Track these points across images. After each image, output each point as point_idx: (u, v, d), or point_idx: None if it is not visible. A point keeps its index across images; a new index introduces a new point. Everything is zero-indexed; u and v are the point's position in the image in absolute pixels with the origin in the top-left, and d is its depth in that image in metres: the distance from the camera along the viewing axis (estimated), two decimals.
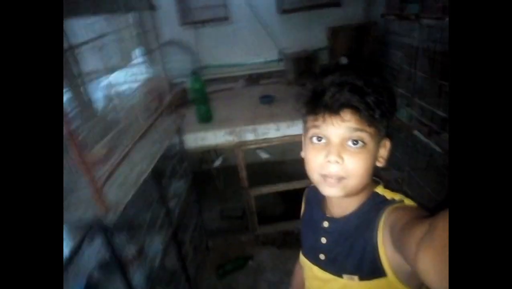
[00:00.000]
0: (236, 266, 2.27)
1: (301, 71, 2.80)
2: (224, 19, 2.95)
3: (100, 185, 1.00)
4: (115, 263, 1.25)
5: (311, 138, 0.60)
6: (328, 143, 0.58)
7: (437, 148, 1.27)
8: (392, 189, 0.64)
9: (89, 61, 1.66)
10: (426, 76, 1.36)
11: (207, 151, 3.09)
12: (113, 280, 1.42)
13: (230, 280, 2.22)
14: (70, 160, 1.04)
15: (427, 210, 0.52)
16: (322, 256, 0.68)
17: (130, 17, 1.67)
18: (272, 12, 2.98)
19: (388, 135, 0.62)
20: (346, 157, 0.57)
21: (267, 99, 2.47)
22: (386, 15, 1.85)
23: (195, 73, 2.15)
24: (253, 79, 3.07)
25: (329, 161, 0.57)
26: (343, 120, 0.56)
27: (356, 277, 0.61)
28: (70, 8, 1.06)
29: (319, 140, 0.59)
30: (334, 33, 3.00)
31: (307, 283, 0.77)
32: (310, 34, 3.05)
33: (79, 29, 1.41)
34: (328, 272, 0.67)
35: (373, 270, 0.58)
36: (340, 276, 0.64)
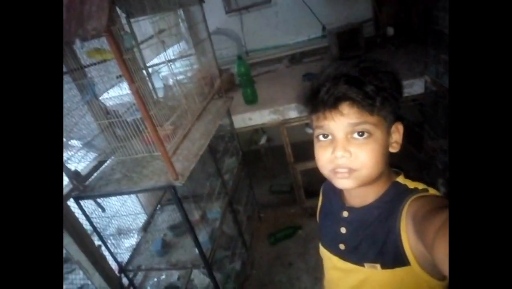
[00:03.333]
0: (286, 234, 2.47)
1: (345, 45, 2.78)
2: (267, 2, 3.04)
3: (170, 156, 1.23)
4: (186, 224, 1.45)
5: (317, 136, 0.60)
6: (333, 139, 0.58)
7: None
8: (414, 179, 0.63)
9: (151, 55, 1.93)
10: None
11: (255, 132, 3.28)
12: (184, 238, 1.71)
13: (281, 246, 2.43)
14: (148, 136, 1.29)
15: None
16: (342, 246, 0.67)
17: (182, 12, 1.88)
18: None
19: (399, 118, 0.60)
20: (353, 149, 0.56)
21: (310, 77, 2.54)
22: None
23: (240, 58, 2.31)
24: (297, 59, 3.13)
25: (336, 156, 0.57)
26: (342, 114, 0.55)
27: (378, 266, 0.60)
28: (139, 9, 1.28)
29: (325, 138, 0.59)
30: (379, 3, 2.89)
31: (327, 275, 0.77)
32: (354, 7, 2.99)
33: (144, 27, 1.66)
34: (348, 261, 0.66)
35: (395, 258, 0.57)
36: (361, 265, 0.63)
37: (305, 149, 2.69)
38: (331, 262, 0.71)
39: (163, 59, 1.90)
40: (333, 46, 2.86)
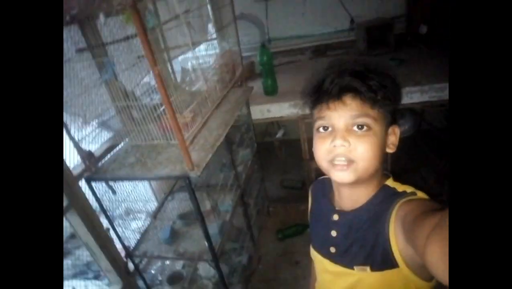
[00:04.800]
0: (295, 231, 2.41)
1: (373, 41, 2.64)
2: None
3: (187, 145, 1.17)
4: (198, 215, 1.40)
5: (317, 129, 0.61)
6: (334, 130, 0.58)
7: None
8: (402, 182, 0.63)
9: (174, 37, 1.84)
10: None
11: (271, 123, 3.20)
12: (193, 228, 1.67)
13: (289, 243, 2.38)
14: (166, 122, 1.23)
15: (439, 203, 0.51)
16: (332, 249, 0.68)
17: None
18: None
19: (396, 122, 0.62)
20: (353, 140, 0.56)
21: None
22: None
23: (264, 46, 2.21)
24: (321, 51, 3.00)
25: (335, 146, 0.57)
26: (345, 105, 0.57)
27: (367, 268, 0.61)
28: None
29: (325, 130, 0.60)
30: None
31: (318, 277, 0.77)
32: (386, 0, 2.82)
33: (167, 8, 1.58)
34: (339, 264, 0.66)
35: (384, 260, 0.57)
36: (351, 268, 0.63)
37: None
38: (322, 265, 0.72)
39: (186, 42, 1.81)
40: (360, 40, 2.72)
